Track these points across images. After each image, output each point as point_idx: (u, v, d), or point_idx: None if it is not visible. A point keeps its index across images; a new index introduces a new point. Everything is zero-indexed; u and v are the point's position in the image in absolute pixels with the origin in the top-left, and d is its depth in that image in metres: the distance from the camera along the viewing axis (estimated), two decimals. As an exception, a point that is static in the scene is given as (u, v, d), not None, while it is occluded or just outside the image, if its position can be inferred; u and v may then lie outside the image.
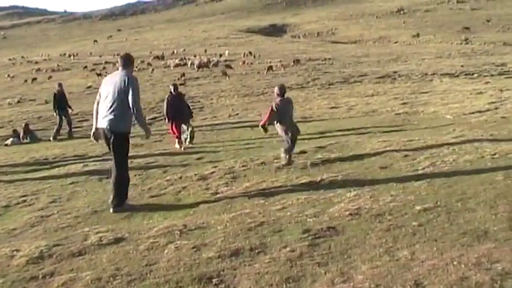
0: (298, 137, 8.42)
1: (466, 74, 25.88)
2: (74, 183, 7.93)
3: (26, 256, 4.59)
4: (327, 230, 4.62)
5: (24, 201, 7.02)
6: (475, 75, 25.44)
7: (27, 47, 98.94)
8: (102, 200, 6.54)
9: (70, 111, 16.77)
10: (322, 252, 4.10)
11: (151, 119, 18.39)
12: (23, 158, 11.59)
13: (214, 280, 3.78)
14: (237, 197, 6.22)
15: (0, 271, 4.35)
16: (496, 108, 13.89)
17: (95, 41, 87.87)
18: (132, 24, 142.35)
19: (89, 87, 30.25)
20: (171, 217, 5.60)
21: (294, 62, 37.03)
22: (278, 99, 8.21)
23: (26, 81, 37.80)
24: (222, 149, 10.52)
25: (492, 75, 24.89)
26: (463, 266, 3.57)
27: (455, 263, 3.63)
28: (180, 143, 11.22)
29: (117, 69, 6.34)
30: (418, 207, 5.00)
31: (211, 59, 43.18)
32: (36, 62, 56.56)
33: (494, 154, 7.16)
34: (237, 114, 18.44)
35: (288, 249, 4.23)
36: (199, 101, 22.26)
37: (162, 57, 49.95)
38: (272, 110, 8.09)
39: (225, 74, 32.14)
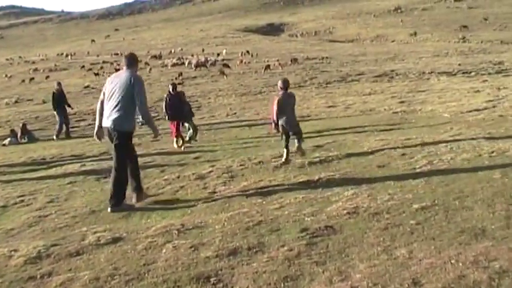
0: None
1: (463, 73, 25.89)
2: (71, 183, 7.93)
3: (24, 256, 4.58)
4: (324, 228, 4.63)
5: (22, 201, 7.00)
6: (473, 73, 25.45)
7: (25, 47, 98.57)
8: (99, 200, 6.54)
9: (69, 110, 16.86)
10: (320, 251, 4.11)
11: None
12: (21, 158, 11.57)
13: (212, 279, 3.79)
14: (235, 196, 6.22)
15: (-2, 271, 4.34)
16: (494, 107, 13.92)
17: (93, 40, 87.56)
18: (129, 24, 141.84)
19: (87, 87, 30.14)
20: (168, 216, 5.60)
21: (291, 61, 36.97)
22: (281, 92, 8.21)
23: (23, 81, 37.64)
24: (219, 148, 10.52)
25: (489, 74, 24.90)
26: (460, 264, 3.58)
27: (453, 261, 3.64)
28: (177, 142, 11.22)
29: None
30: (415, 206, 5.01)
31: (208, 58, 43.03)
32: (34, 62, 56.30)
33: (492, 152, 7.18)
34: (235, 113, 18.44)
35: (285, 248, 4.23)
36: (196, 100, 22.25)
37: (160, 57, 49.79)
38: (277, 102, 8.04)
39: (222, 73, 32.09)
